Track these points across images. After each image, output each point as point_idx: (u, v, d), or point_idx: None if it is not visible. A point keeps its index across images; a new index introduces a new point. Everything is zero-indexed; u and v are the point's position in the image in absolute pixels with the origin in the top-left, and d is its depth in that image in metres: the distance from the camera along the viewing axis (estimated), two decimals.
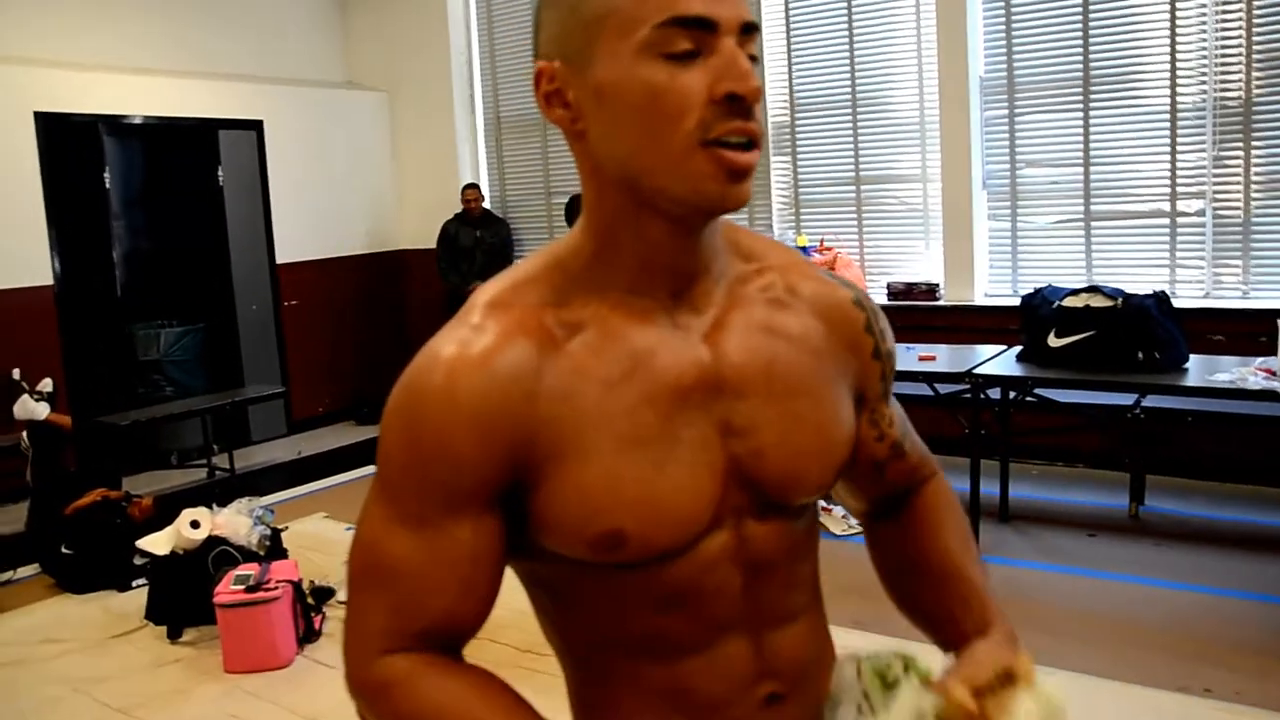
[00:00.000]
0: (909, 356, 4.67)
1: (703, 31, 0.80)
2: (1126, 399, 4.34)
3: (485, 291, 0.90)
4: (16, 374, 5.19)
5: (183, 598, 3.80)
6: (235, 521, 3.93)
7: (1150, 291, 4.16)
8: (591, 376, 0.86)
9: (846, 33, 5.96)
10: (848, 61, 5.99)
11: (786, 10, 6.16)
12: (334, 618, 3.83)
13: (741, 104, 0.80)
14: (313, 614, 3.72)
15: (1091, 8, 5.17)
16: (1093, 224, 5.36)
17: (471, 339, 0.85)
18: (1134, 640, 3.44)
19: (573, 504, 0.85)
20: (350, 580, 0.90)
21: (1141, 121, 5.17)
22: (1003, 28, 5.45)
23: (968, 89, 5.51)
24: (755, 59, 0.84)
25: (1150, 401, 4.37)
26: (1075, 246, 5.44)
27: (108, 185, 6.56)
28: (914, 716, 0.88)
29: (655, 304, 0.89)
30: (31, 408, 4.98)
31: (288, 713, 3.20)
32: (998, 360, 4.41)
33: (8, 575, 4.52)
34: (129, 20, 6.48)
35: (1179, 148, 5.04)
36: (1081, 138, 5.31)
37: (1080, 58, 5.25)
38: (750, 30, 0.83)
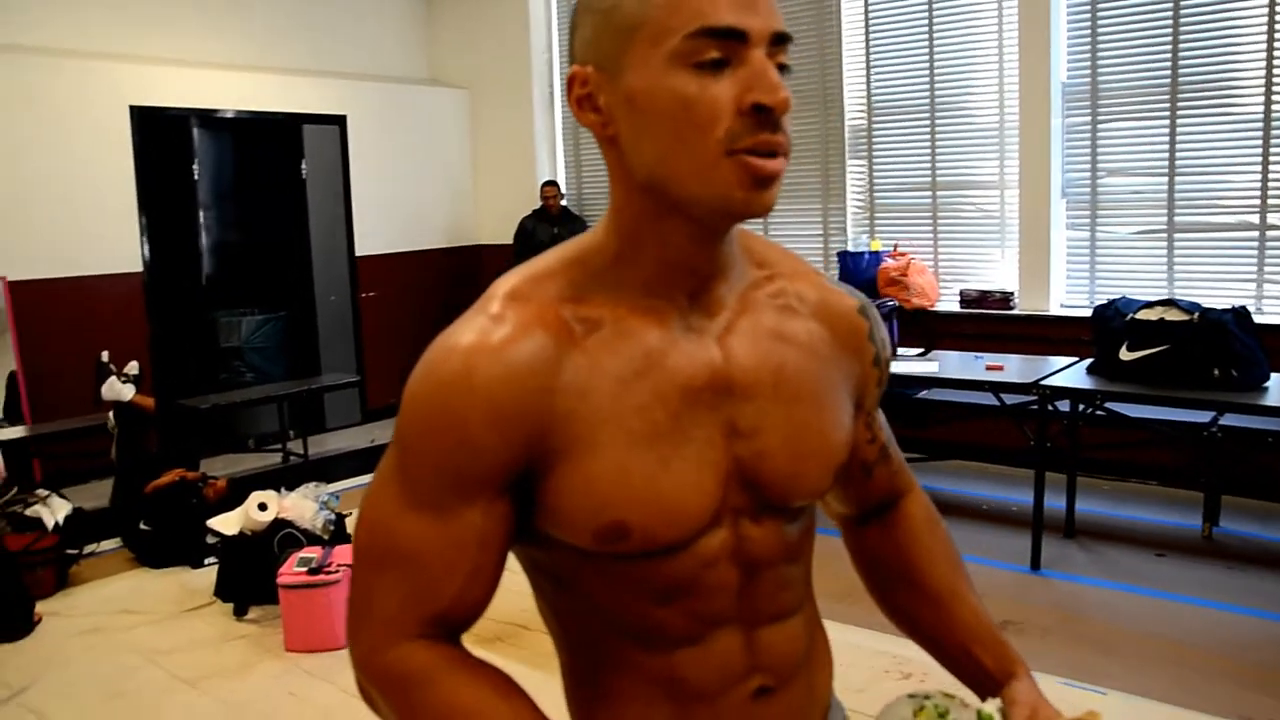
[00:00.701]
0: (977, 365, 4.62)
1: (733, 42, 0.81)
2: (1202, 416, 4.21)
3: (504, 282, 0.91)
4: (105, 356, 5.39)
5: (249, 577, 3.93)
6: (301, 505, 4.05)
7: (1232, 306, 4.02)
8: (606, 373, 0.88)
9: (927, 36, 5.89)
10: (927, 65, 5.91)
11: (866, 13, 6.10)
12: None
13: (769, 115, 0.82)
14: None
15: (1183, 12, 5.02)
16: (1176, 235, 5.21)
17: (491, 328, 0.87)
18: (1197, 665, 3.34)
19: (580, 495, 0.87)
20: (358, 560, 0.91)
21: (1232, 130, 5.00)
22: (1088, 32, 5.32)
23: (1049, 95, 5.39)
24: (786, 68, 0.85)
25: (1228, 420, 4.24)
26: (1157, 258, 5.29)
27: (196, 177, 6.80)
28: None
29: (671, 306, 0.91)
30: (118, 389, 5.17)
31: (342, 693, 3.29)
32: (1067, 372, 4.31)
33: (92, 548, 4.72)
34: (220, 17, 6.70)
35: (1271, 158, 4.86)
36: (1167, 146, 5.16)
37: (1169, 63, 5.10)
38: (781, 40, 0.84)
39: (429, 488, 0.87)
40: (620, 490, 0.87)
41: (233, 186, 7.16)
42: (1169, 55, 5.09)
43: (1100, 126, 5.37)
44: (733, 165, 0.82)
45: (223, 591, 4.04)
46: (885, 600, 1.17)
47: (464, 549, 0.87)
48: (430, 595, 0.88)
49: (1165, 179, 5.19)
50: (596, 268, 0.91)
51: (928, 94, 5.93)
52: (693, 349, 0.91)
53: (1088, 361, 4.34)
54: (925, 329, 5.72)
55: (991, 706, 0.98)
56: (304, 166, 7.08)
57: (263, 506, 4.00)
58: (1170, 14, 5.05)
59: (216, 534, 4.09)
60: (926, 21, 5.87)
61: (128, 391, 5.19)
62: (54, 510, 4.60)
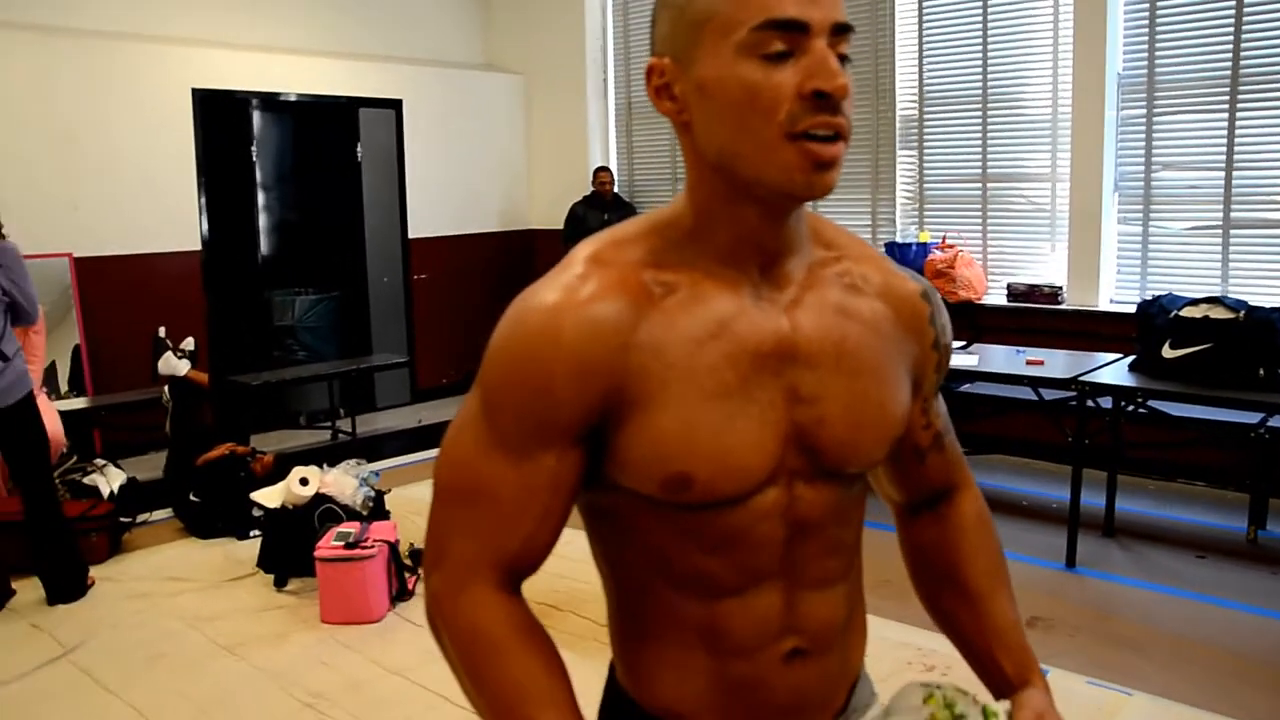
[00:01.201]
0: (1017, 360, 4.57)
1: (796, 33, 0.87)
2: (1250, 417, 4.12)
3: (586, 246, 0.98)
4: (162, 331, 5.57)
5: (289, 550, 4.04)
6: (342, 481, 4.16)
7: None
8: (681, 333, 0.93)
9: (980, 26, 5.81)
10: (980, 55, 5.83)
11: (920, 2, 6.03)
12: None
13: (828, 100, 0.87)
14: (407, 574, 3.90)
15: (1246, 2, 4.89)
16: (1232, 232, 5.09)
17: (577, 286, 0.93)
18: (1231, 670, 3.28)
19: (650, 446, 0.93)
20: (438, 496, 0.98)
21: None
22: (1145, 23, 5.21)
23: (1104, 86, 5.29)
24: (846, 58, 0.90)
25: (1277, 421, 4.14)
26: (1211, 255, 5.17)
27: (255, 159, 6.96)
28: None
29: (743, 277, 0.96)
30: (174, 364, 5.33)
31: (374, 665, 3.38)
32: (1108, 369, 4.24)
33: (145, 517, 4.88)
34: (278, 2, 6.84)
35: None
36: (1225, 140, 5.04)
37: (1229, 56, 4.97)
38: (842, 30, 0.89)
39: (510, 433, 0.93)
40: (687, 443, 0.92)
41: (290, 168, 7.32)
42: (1230, 47, 4.97)
43: (1156, 119, 5.26)
44: (794, 149, 0.88)
45: (265, 563, 4.17)
46: (925, 592, 1.20)
47: (537, 492, 0.94)
48: (504, 535, 0.95)
49: (1222, 174, 5.06)
50: (674, 238, 0.97)
51: (980, 84, 5.85)
52: (762, 317, 0.96)
53: (1130, 359, 4.27)
54: (970, 322, 5.67)
55: (999, 707, 1.00)
56: (359, 149, 7.21)
57: (304, 481, 4.11)
58: (1233, 4, 4.93)
59: (260, 507, 4.21)
60: (980, 10, 5.79)
61: (183, 366, 5.35)
62: (110, 479, 4.79)
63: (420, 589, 3.83)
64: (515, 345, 0.93)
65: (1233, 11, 4.93)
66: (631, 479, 0.95)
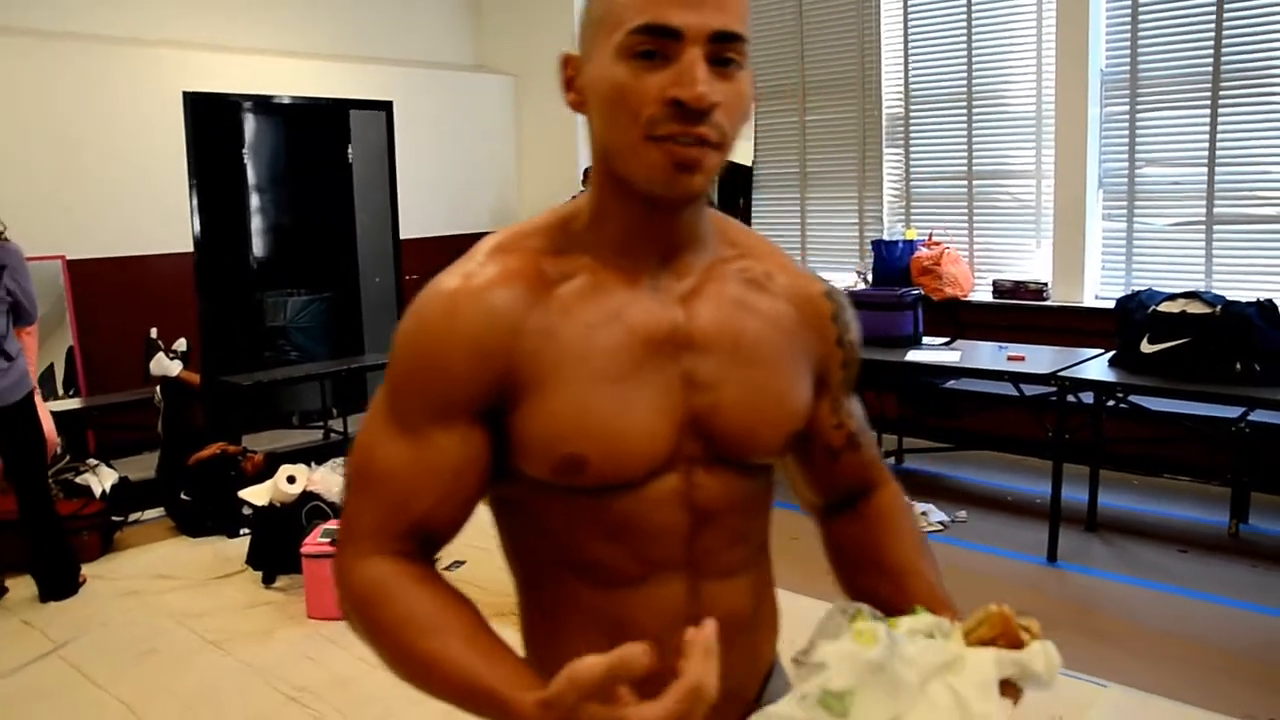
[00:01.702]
0: (1000, 356, 4.60)
1: (669, 39, 0.89)
2: (1228, 411, 4.15)
3: (494, 237, 1.02)
4: (154, 333, 5.61)
5: (278, 547, 4.08)
6: (329, 479, 4.20)
7: (1257, 299, 3.97)
8: (575, 318, 0.96)
9: (965, 24, 5.84)
10: (965, 53, 5.87)
11: (905, 1, 6.07)
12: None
13: (687, 109, 0.88)
14: None
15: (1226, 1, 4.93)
16: (1215, 227, 5.12)
17: (474, 273, 0.97)
18: (1211, 663, 3.31)
19: (543, 427, 0.95)
20: (347, 482, 1.01)
21: (1274, 120, 4.90)
22: (1128, 20, 5.24)
23: (1087, 83, 5.33)
24: (736, 64, 0.91)
25: (1258, 416, 4.17)
26: (1195, 250, 5.21)
27: (246, 161, 6.99)
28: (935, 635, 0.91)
29: (640, 267, 0.99)
30: (165, 365, 5.37)
31: (359, 660, 3.42)
32: (1088, 364, 4.28)
33: (136, 516, 4.93)
34: (272, 4, 6.87)
35: None
36: (1208, 136, 5.07)
37: (1210, 52, 5.01)
38: (725, 39, 0.90)
39: (407, 412, 0.96)
40: (579, 425, 0.95)
41: (282, 170, 7.35)
42: (1211, 43, 5.00)
43: (1139, 115, 5.30)
44: (656, 150, 0.90)
45: (253, 560, 4.21)
46: (849, 583, 1.18)
47: (438, 472, 0.96)
48: (401, 510, 0.96)
49: (1205, 169, 5.10)
50: (576, 229, 1.01)
51: (965, 82, 5.89)
52: (657, 306, 0.99)
53: (1111, 354, 4.31)
54: (955, 319, 5.70)
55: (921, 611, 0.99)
56: (351, 151, 7.24)
57: (291, 479, 4.15)
58: (1214, 1, 4.96)
59: (248, 505, 4.25)
60: (965, 9, 5.83)
61: (175, 367, 5.39)
62: (102, 479, 4.83)
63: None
64: (413, 330, 0.97)
65: (1214, 8, 4.96)
66: (528, 463, 0.97)
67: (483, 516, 1.06)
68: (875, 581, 1.14)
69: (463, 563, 4.05)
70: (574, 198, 1.10)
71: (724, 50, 0.90)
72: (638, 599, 1.01)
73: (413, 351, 0.96)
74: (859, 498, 1.20)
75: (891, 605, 1.10)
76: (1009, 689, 0.88)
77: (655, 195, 0.94)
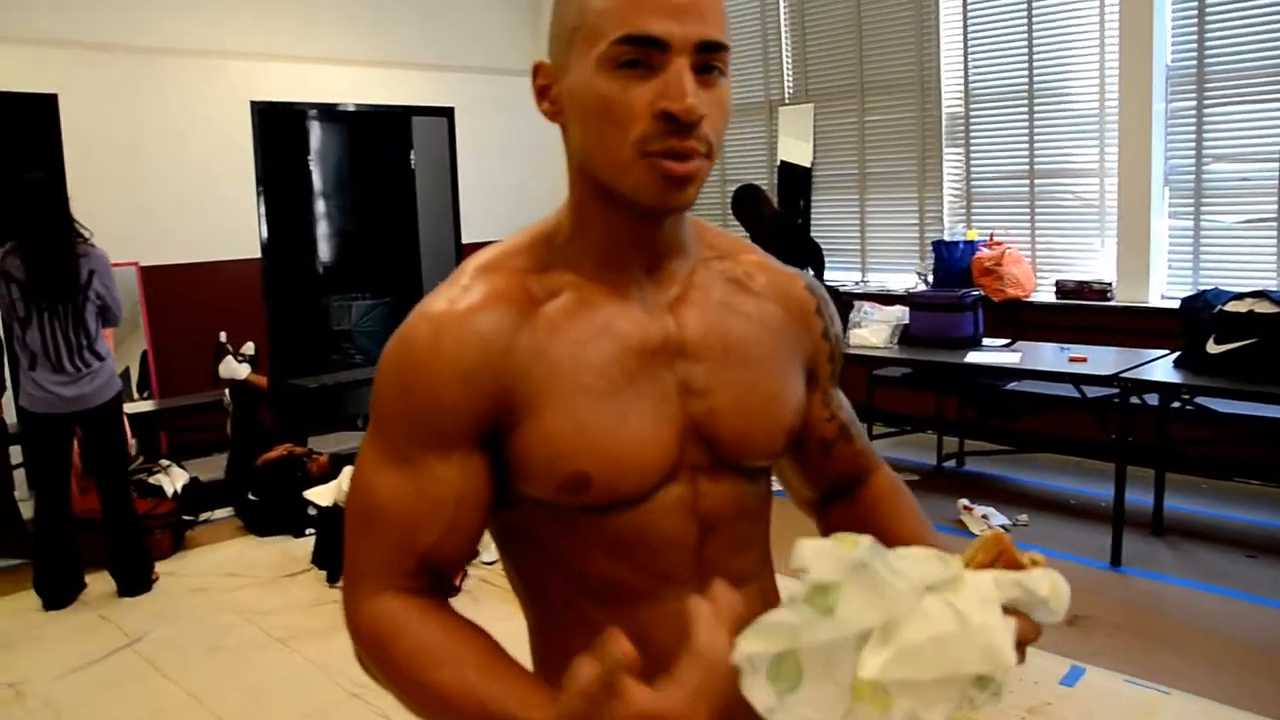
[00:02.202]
0: (1061, 358, 4.53)
1: (655, 50, 0.87)
2: None
3: (478, 257, 1.00)
4: (223, 337, 5.78)
5: (341, 547, 4.16)
6: None
7: None
8: (565, 335, 0.95)
9: (1025, 21, 5.76)
10: (1025, 51, 5.79)
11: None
12: (475, 576, 4.12)
13: (678, 121, 0.87)
14: None
15: None
16: None
17: (459, 297, 0.94)
18: (1277, 671, 3.24)
19: (543, 447, 0.93)
20: (346, 525, 0.97)
21: None
22: (1194, 14, 5.13)
23: (1151, 79, 5.22)
24: (720, 72, 0.90)
25: None
26: (1266, 248, 5.07)
27: (312, 168, 7.16)
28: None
29: (626, 278, 0.98)
30: (234, 368, 5.53)
31: None
32: (1152, 366, 4.20)
33: (206, 516, 5.08)
34: (336, 14, 7.02)
35: None
36: (1278, 131, 4.94)
37: None
38: (711, 48, 0.88)
39: (402, 445, 0.93)
40: (580, 442, 0.93)
41: (346, 177, 7.51)
42: None
43: (1206, 111, 5.17)
44: (646, 165, 0.89)
45: (319, 559, 4.31)
46: None
47: (440, 504, 0.93)
48: (406, 546, 0.93)
49: (1276, 165, 4.96)
50: (558, 244, 0.99)
51: (1026, 80, 5.81)
52: (645, 317, 0.98)
53: (1176, 355, 4.22)
54: (1016, 320, 5.63)
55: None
56: (413, 156, 7.37)
57: None
58: None
59: (313, 505, 4.36)
60: (1025, 5, 5.74)
61: (243, 370, 5.55)
62: (174, 479, 4.98)
63: (468, 585, 3.96)
64: (400, 359, 0.94)
65: None
66: (532, 485, 0.96)
67: None
68: None
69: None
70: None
71: (709, 59, 0.89)
72: (649, 614, 0.99)
73: (400, 381, 0.93)
74: (854, 486, 1.19)
75: None
76: (1019, 619, 0.82)
77: (646, 207, 0.92)
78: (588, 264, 0.98)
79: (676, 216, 0.98)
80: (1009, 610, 0.81)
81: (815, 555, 0.75)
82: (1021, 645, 0.82)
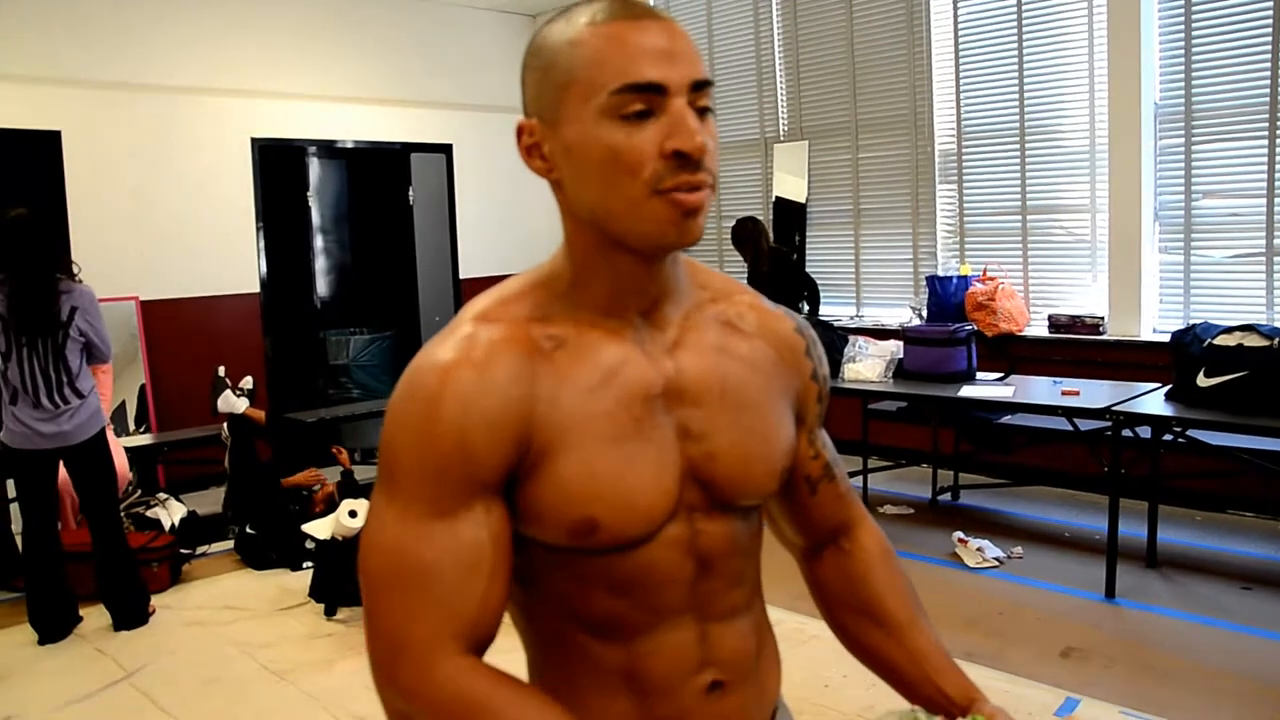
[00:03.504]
0: (1053, 390, 4.58)
1: (654, 94, 0.91)
2: None
3: (473, 307, 1.00)
4: (222, 371, 5.80)
5: (339, 580, 4.18)
6: None
7: None
8: (573, 383, 0.97)
9: (1016, 60, 5.86)
10: (1016, 89, 5.88)
11: (955, 37, 6.11)
12: None
13: (688, 159, 0.91)
14: None
15: None
16: (1275, 259, 5.05)
17: (469, 346, 0.94)
18: (1276, 704, 3.23)
19: (555, 493, 0.95)
20: (374, 590, 0.93)
21: None
22: (1181, 53, 5.23)
23: (1140, 117, 5.31)
24: (709, 110, 0.94)
25: None
26: (1255, 282, 5.14)
27: (311, 204, 7.23)
28: None
29: (625, 324, 1.01)
30: (232, 401, 5.54)
31: None
32: (1144, 399, 4.24)
33: (204, 549, 5.08)
34: (335, 53, 7.12)
35: None
36: (1266, 167, 5.02)
37: (1267, 82, 4.96)
38: (701, 86, 0.93)
39: (436, 498, 0.92)
40: (590, 489, 0.95)
41: (345, 212, 7.58)
42: (1268, 73, 4.95)
43: (1195, 148, 5.26)
44: (660, 202, 0.92)
45: (316, 593, 4.31)
46: (841, 629, 1.21)
47: (480, 550, 0.93)
48: (459, 604, 0.92)
49: (1264, 200, 5.04)
50: (557, 291, 1.01)
51: (1017, 117, 5.90)
52: (647, 362, 1.01)
53: (1167, 388, 4.26)
54: (1010, 354, 5.68)
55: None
56: (412, 193, 7.45)
57: (353, 514, 4.25)
58: (1270, 30, 4.92)
59: (311, 539, 4.37)
60: (1016, 45, 5.85)
61: (241, 404, 5.55)
62: (171, 513, 5.00)
63: None
64: (421, 409, 0.93)
65: (1270, 38, 4.92)
66: (540, 529, 0.97)
67: None
68: (874, 633, 1.18)
69: None
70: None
71: (699, 99, 0.93)
72: (648, 647, 1.02)
73: (424, 434, 0.92)
74: (840, 533, 1.22)
75: (898, 661, 1.16)
76: None
77: (662, 246, 0.95)
78: (588, 311, 1.00)
79: (673, 257, 1.02)
80: None
81: None
82: None
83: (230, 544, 5.13)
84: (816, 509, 1.20)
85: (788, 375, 1.11)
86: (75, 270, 4.08)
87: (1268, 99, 4.97)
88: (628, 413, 0.98)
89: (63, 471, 4.08)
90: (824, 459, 1.19)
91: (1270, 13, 4.91)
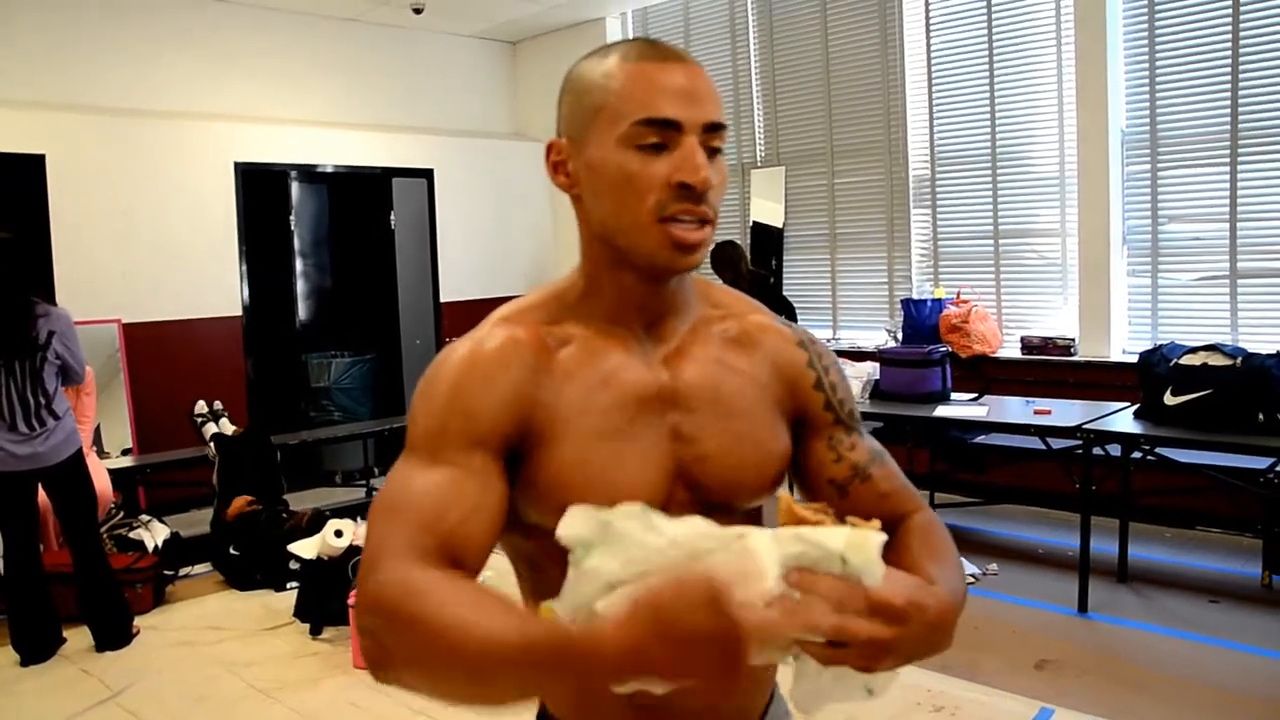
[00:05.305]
0: (1026, 410, 4.68)
1: (670, 130, 1.01)
2: (1258, 462, 4.20)
3: (500, 311, 1.13)
4: (201, 406, 5.84)
5: (325, 599, 4.21)
6: None
7: (1277, 351, 4.04)
8: (576, 380, 1.07)
9: (987, 88, 6.02)
10: (988, 117, 6.04)
11: (929, 66, 6.27)
12: None
13: (692, 191, 1.01)
14: None
15: (1242, 58, 5.06)
16: (1239, 281, 5.20)
17: (485, 338, 1.07)
18: (1245, 714, 3.32)
19: (550, 477, 1.04)
20: (370, 523, 0.99)
21: None
22: (1146, 81, 5.40)
23: (1108, 143, 5.47)
24: (719, 150, 1.06)
25: None
26: (1219, 304, 5.28)
27: (293, 228, 7.28)
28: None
29: (629, 333, 1.11)
30: (215, 429, 5.58)
31: (402, 706, 3.52)
32: (1113, 417, 4.35)
33: (187, 570, 5.09)
34: (318, 78, 7.20)
35: None
36: (1228, 192, 5.18)
37: (1228, 111, 5.14)
38: (714, 129, 1.03)
39: (433, 448, 1.01)
40: (580, 477, 1.04)
41: (326, 236, 7.64)
42: (1228, 102, 5.13)
43: (1160, 174, 5.42)
44: (661, 231, 1.02)
45: (301, 612, 4.34)
46: None
47: (462, 486, 0.99)
48: (433, 524, 0.96)
49: (1227, 225, 5.20)
50: (570, 301, 1.12)
51: (989, 144, 6.05)
52: (645, 368, 1.10)
53: (1136, 407, 4.38)
54: (984, 375, 5.79)
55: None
56: (393, 217, 7.51)
57: (339, 533, 4.29)
58: (1229, 60, 5.10)
59: (296, 558, 4.40)
60: (987, 74, 6.01)
61: (228, 427, 5.60)
62: (154, 534, 5.01)
63: None
64: (434, 381, 1.05)
65: (1229, 67, 5.10)
66: (536, 511, 1.05)
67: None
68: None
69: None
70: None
71: (712, 140, 1.03)
72: None
73: (433, 396, 1.03)
74: (894, 528, 1.19)
75: None
76: (822, 578, 0.84)
77: (658, 268, 1.05)
78: (596, 320, 1.10)
79: (680, 278, 1.11)
80: (803, 569, 0.84)
81: (571, 517, 0.88)
82: (838, 605, 0.86)
83: (211, 565, 5.14)
84: (853, 512, 1.17)
85: (787, 389, 1.18)
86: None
87: (1228, 126, 5.14)
88: (621, 412, 1.07)
89: (43, 493, 4.09)
90: (849, 461, 1.19)
91: (1228, 42, 5.09)
